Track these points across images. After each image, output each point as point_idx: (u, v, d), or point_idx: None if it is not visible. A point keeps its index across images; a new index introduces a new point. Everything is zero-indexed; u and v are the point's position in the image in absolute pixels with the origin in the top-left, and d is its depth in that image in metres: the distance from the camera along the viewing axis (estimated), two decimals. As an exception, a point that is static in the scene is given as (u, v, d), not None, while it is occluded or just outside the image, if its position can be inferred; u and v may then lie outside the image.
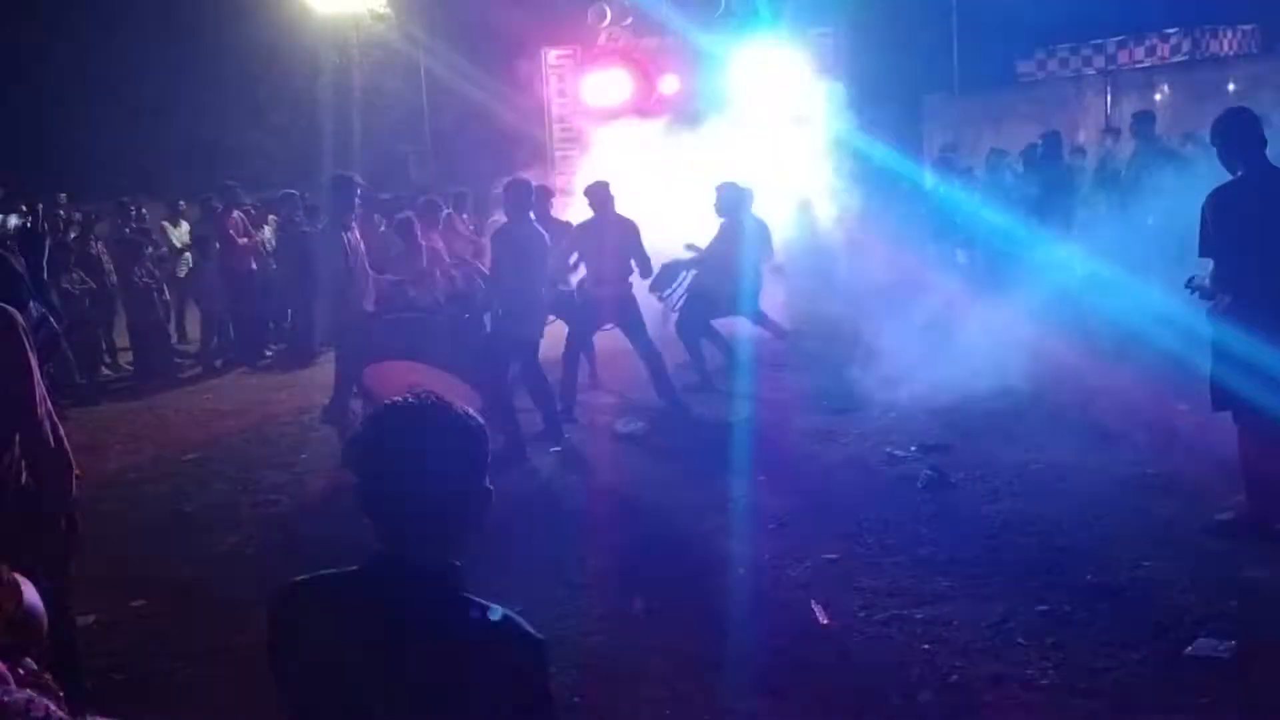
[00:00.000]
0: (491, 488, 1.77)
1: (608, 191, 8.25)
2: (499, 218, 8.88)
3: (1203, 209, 5.21)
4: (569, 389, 8.19)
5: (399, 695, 1.66)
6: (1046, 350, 8.82)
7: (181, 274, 13.16)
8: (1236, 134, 5.20)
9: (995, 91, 16.67)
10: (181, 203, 14.03)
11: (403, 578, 1.71)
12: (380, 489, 1.71)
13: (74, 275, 11.31)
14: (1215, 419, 5.42)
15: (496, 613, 1.74)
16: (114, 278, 11.82)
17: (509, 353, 7.46)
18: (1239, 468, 5.28)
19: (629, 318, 8.23)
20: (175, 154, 21.64)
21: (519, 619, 1.75)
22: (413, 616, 1.69)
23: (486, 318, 7.77)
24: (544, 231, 7.63)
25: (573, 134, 13.68)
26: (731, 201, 9.17)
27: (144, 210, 14.56)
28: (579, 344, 8.43)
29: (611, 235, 8.17)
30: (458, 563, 1.74)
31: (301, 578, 1.81)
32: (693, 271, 9.08)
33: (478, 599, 1.74)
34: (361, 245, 8.15)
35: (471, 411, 1.77)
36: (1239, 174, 5.18)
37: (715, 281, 9.07)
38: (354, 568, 1.76)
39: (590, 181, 8.45)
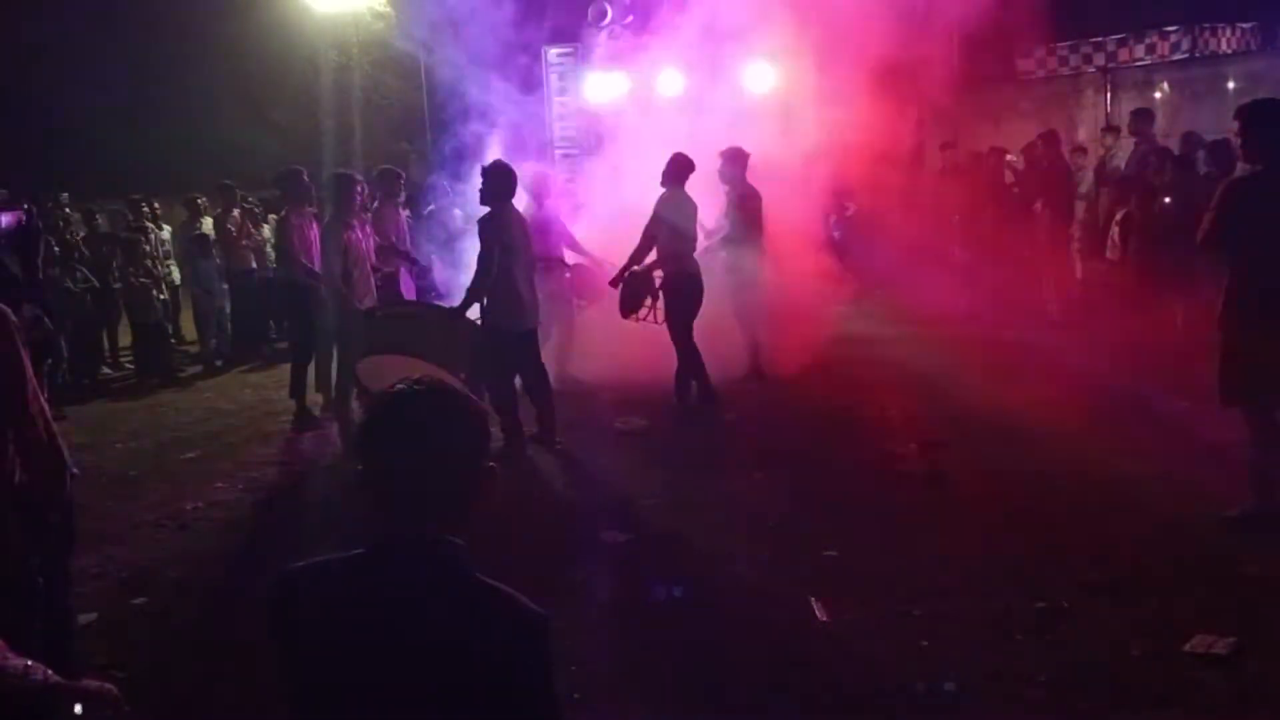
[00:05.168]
0: (494, 466, 1.80)
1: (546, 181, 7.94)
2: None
3: (1216, 199, 5.19)
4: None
5: (408, 674, 1.69)
6: (1049, 349, 8.84)
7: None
8: (1267, 125, 5.12)
9: (995, 89, 16.65)
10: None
11: (409, 558, 1.74)
12: (386, 469, 1.75)
13: (77, 274, 11.34)
14: (1216, 415, 5.43)
15: (502, 591, 1.77)
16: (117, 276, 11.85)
17: (506, 347, 7.36)
18: (1245, 463, 5.28)
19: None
20: (175, 153, 21.65)
21: (523, 597, 1.77)
22: (420, 596, 1.72)
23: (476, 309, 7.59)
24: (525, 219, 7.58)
25: (574, 132, 13.69)
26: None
27: (157, 206, 14.52)
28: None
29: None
30: (461, 542, 1.77)
31: (300, 564, 1.83)
32: (659, 273, 8.35)
33: (484, 578, 1.77)
34: (363, 243, 8.16)
35: (474, 398, 1.82)
36: (1258, 168, 5.15)
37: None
38: (357, 551, 1.78)
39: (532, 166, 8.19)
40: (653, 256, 8.25)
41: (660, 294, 8.25)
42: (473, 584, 1.75)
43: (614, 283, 8.27)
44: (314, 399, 8.90)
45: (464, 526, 1.78)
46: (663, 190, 8.30)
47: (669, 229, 8.15)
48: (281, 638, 1.80)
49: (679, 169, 8.35)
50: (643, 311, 8.24)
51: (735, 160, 9.01)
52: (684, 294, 8.15)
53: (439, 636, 1.70)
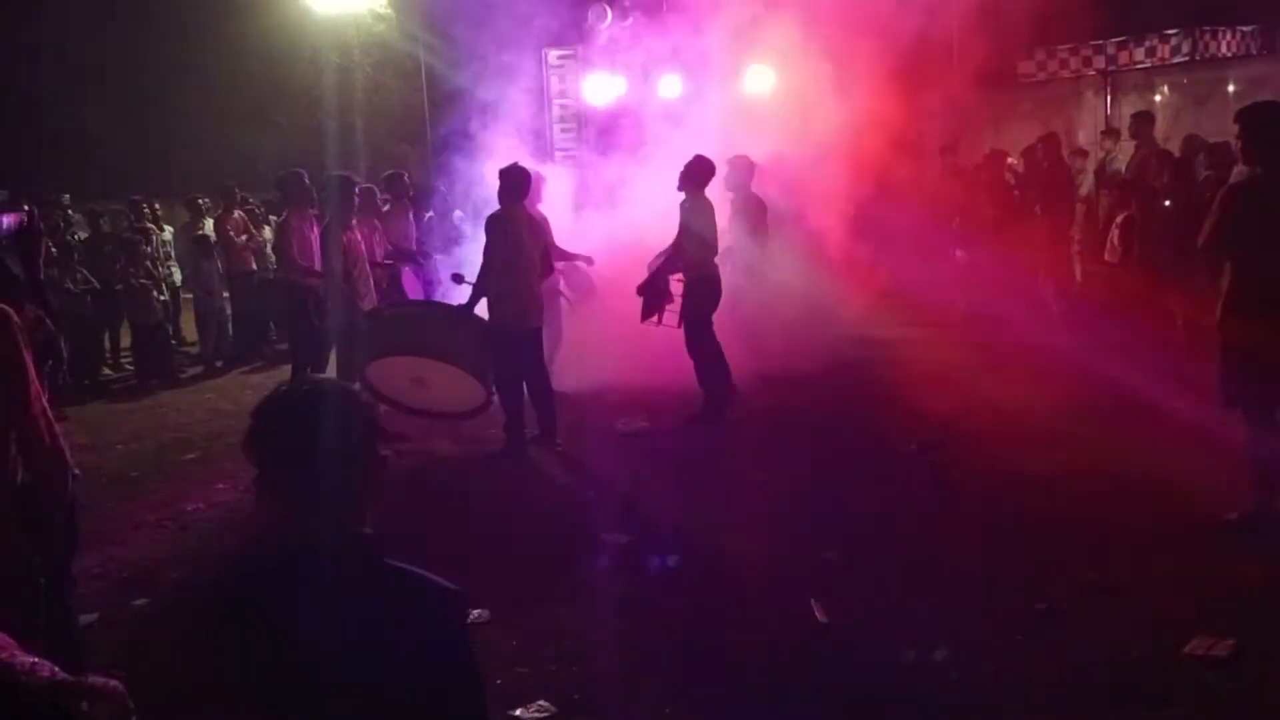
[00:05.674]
0: (387, 456, 1.83)
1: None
2: None
3: (1217, 203, 5.19)
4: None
5: (335, 665, 1.72)
6: (1048, 351, 8.85)
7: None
8: (1268, 128, 5.12)
9: (995, 91, 16.66)
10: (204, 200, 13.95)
11: (317, 552, 1.78)
12: (278, 469, 1.78)
13: (77, 275, 11.36)
14: (1217, 417, 5.43)
15: (413, 573, 1.81)
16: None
17: (510, 345, 7.33)
18: (1246, 466, 5.29)
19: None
20: (177, 154, 21.69)
21: (435, 576, 1.82)
22: (335, 588, 1.76)
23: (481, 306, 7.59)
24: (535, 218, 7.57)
25: (574, 134, 13.70)
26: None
27: (158, 208, 14.54)
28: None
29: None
30: (367, 530, 1.81)
31: (222, 570, 1.86)
32: (678, 278, 8.28)
33: (394, 562, 1.81)
34: (361, 244, 8.18)
35: (355, 388, 1.86)
36: (1258, 171, 5.16)
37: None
38: (271, 551, 1.81)
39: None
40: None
41: (678, 297, 8.19)
42: (383, 570, 1.80)
43: (640, 290, 8.19)
44: None
45: (366, 515, 1.82)
46: (683, 196, 8.17)
47: (694, 237, 8.08)
48: (212, 646, 1.83)
49: (699, 174, 8.19)
50: (664, 315, 8.20)
51: (741, 169, 8.97)
52: (703, 295, 8.11)
53: (358, 624, 1.74)
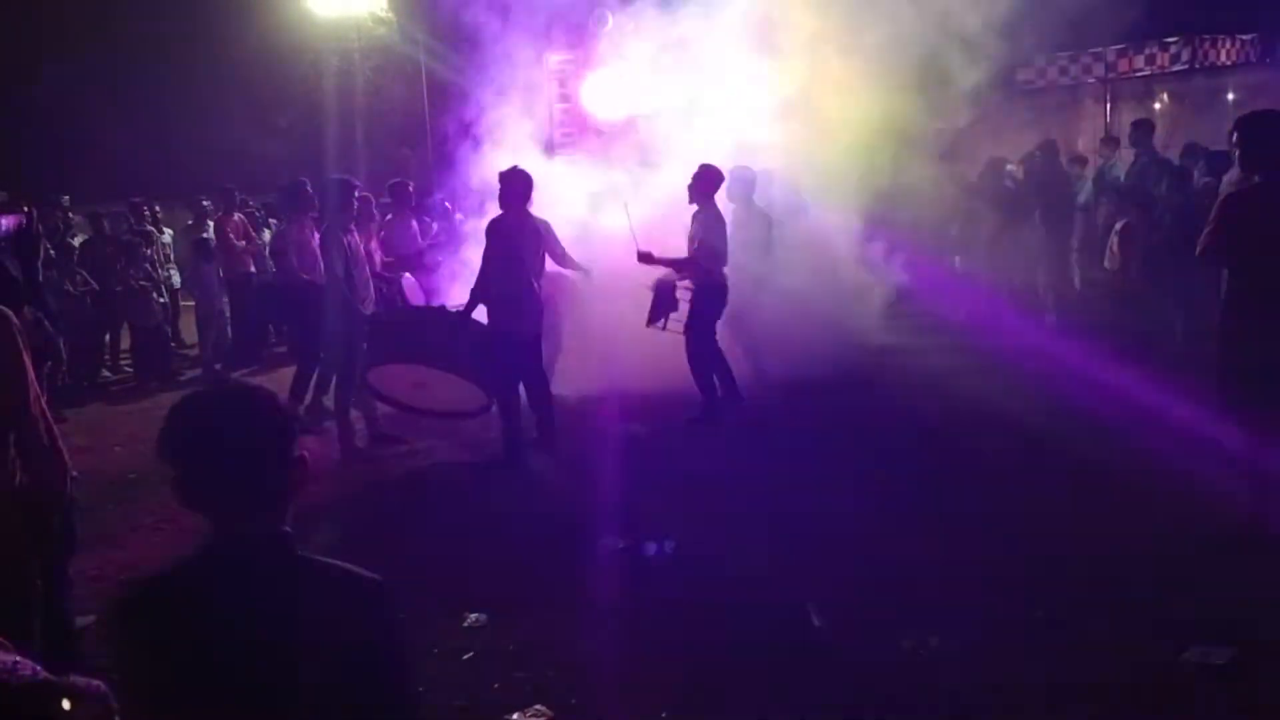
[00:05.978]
0: (304, 456, 1.84)
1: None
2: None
3: (1215, 210, 5.21)
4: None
5: (264, 665, 1.73)
6: (1046, 358, 8.86)
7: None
8: (1266, 137, 5.14)
9: (994, 98, 16.67)
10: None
11: (239, 552, 1.79)
12: (193, 472, 1.80)
13: (76, 277, 11.36)
14: (1215, 425, 5.44)
15: (336, 566, 1.83)
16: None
17: (509, 350, 7.31)
18: (1244, 473, 5.29)
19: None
20: (178, 156, 21.71)
21: (357, 568, 1.83)
22: (259, 584, 1.77)
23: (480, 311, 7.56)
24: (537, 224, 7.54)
25: (574, 138, 13.70)
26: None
27: (158, 210, 14.55)
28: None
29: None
30: (286, 529, 1.82)
31: (137, 581, 1.86)
32: (685, 284, 8.25)
33: (314, 556, 1.83)
34: (361, 247, 8.19)
35: (271, 391, 1.89)
36: (1256, 180, 5.17)
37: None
38: (188, 556, 1.83)
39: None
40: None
41: (683, 303, 8.15)
42: (304, 565, 1.81)
43: (642, 258, 8.10)
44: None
45: (285, 513, 1.83)
46: (694, 208, 8.13)
47: (706, 247, 8.05)
48: (133, 659, 1.82)
49: (709, 183, 8.12)
50: (668, 320, 8.17)
51: (742, 181, 8.92)
52: (709, 300, 8.12)
53: (280, 620, 1.75)
